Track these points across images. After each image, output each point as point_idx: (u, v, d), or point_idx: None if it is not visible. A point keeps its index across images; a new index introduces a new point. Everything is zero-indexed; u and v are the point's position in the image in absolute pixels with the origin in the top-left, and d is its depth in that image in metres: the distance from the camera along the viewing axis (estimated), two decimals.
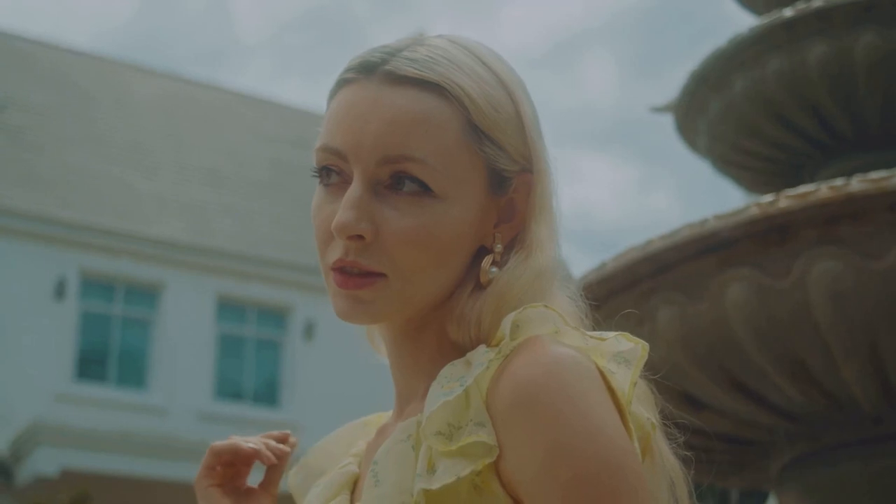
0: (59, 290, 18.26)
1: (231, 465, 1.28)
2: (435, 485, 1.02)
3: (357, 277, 1.13)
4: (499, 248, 1.16)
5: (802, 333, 2.97)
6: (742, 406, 3.20)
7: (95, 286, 19.02)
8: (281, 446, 1.29)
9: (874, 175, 2.81)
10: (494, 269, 1.15)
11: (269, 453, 1.28)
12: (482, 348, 1.10)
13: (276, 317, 20.94)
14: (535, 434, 1.01)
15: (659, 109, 4.18)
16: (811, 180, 3.92)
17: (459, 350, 1.15)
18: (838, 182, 2.82)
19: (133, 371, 19.25)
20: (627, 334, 1.11)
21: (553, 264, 1.16)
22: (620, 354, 1.09)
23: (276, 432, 1.33)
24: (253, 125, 24.41)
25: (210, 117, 23.73)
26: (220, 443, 1.26)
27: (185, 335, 19.41)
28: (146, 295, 19.50)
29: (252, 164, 23.26)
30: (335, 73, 1.22)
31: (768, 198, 2.91)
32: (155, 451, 17.76)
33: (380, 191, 1.13)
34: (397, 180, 1.12)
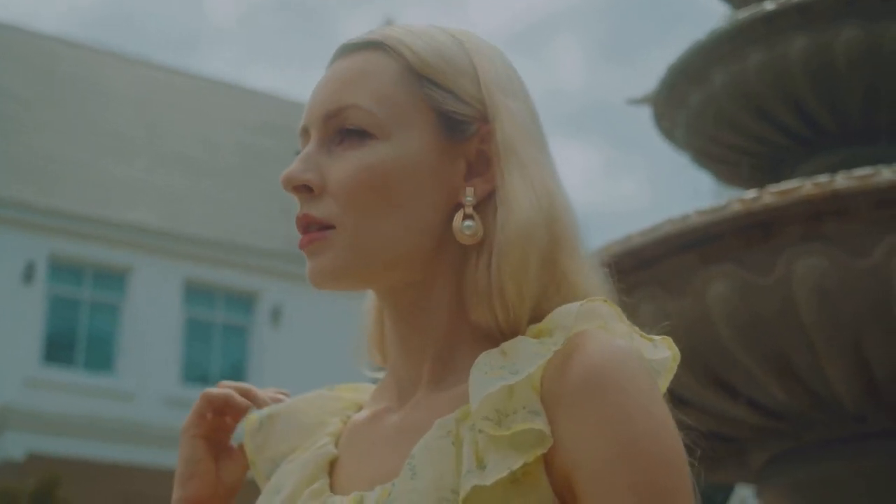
0: (28, 274, 18.15)
1: (221, 415, 1.23)
2: (488, 480, 0.98)
3: (310, 234, 1.12)
4: (469, 199, 1.11)
5: (786, 331, 2.95)
6: (724, 403, 3.18)
7: (64, 270, 18.91)
8: (277, 396, 1.25)
9: (859, 172, 2.79)
10: (470, 224, 1.10)
11: (261, 395, 1.23)
12: (528, 339, 1.06)
13: (243, 302, 20.89)
14: (604, 426, 0.98)
15: (637, 101, 4.16)
16: (791, 174, 3.90)
17: (479, 331, 1.12)
18: (823, 179, 2.80)
19: (101, 356, 19.15)
20: (670, 340, 1.08)
21: (538, 217, 1.11)
22: (653, 362, 1.07)
23: (274, 389, 1.27)
24: (225, 111, 24.30)
25: (182, 103, 23.61)
26: (213, 389, 1.22)
27: (153, 320, 19.33)
28: (115, 279, 19.41)
29: (223, 150, 23.17)
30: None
31: (751, 194, 2.88)
32: (122, 436, 17.69)
33: (332, 149, 1.13)
34: (342, 134, 1.13)
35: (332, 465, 1.16)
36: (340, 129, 1.13)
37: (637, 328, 1.07)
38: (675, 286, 3.00)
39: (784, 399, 3.12)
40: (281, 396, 1.26)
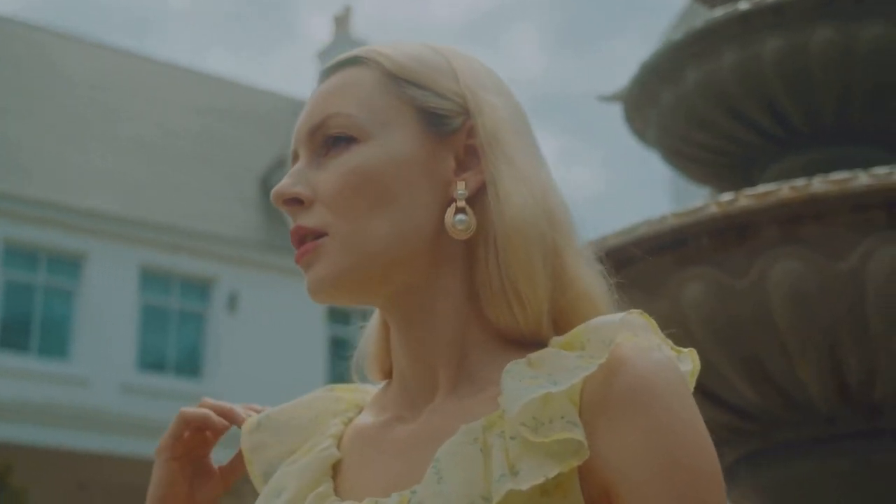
0: None
1: (200, 431, 1.24)
2: (524, 485, 0.98)
3: (304, 246, 1.13)
4: (461, 193, 1.12)
5: (760, 333, 2.96)
6: (697, 403, 3.18)
7: (19, 255, 18.74)
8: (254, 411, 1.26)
9: (836, 176, 2.79)
10: (462, 217, 1.11)
11: (241, 414, 1.25)
12: (561, 352, 1.07)
13: (199, 288, 20.79)
14: (651, 439, 1.00)
15: (607, 99, 4.15)
16: (763, 174, 3.91)
17: (493, 332, 1.13)
18: (800, 182, 2.80)
19: (56, 341, 19.00)
20: (694, 353, 1.11)
21: (534, 209, 1.12)
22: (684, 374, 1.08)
23: (250, 406, 1.28)
24: (183, 96, 24.15)
25: (139, 88, 23.43)
26: (190, 410, 1.22)
27: (108, 306, 19.20)
28: (70, 265, 19.26)
29: (181, 135, 23.02)
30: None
31: (728, 196, 2.88)
32: (77, 423, 17.60)
33: (320, 162, 1.15)
34: (328, 145, 1.14)
35: (335, 469, 1.15)
36: (325, 139, 1.13)
37: (668, 341, 1.08)
38: (650, 287, 3.00)
39: (756, 400, 3.12)
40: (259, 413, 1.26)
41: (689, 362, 1.09)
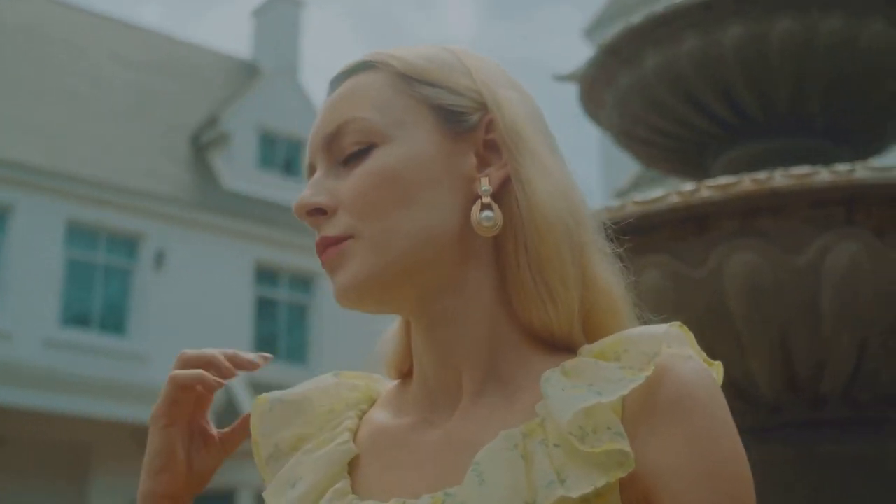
0: None
1: (193, 391, 1.20)
2: (574, 492, 0.99)
3: (328, 249, 1.12)
4: (485, 189, 1.11)
5: (714, 323, 2.97)
6: None
7: None
8: (245, 357, 1.21)
9: (798, 171, 2.80)
10: (489, 214, 1.10)
11: (227, 364, 1.20)
12: (600, 362, 1.08)
13: (126, 244, 20.59)
14: (694, 446, 1.02)
15: (563, 78, 4.15)
16: (716, 161, 3.93)
17: (522, 333, 1.13)
18: (761, 175, 2.81)
19: None
20: (720, 366, 1.12)
21: (560, 203, 1.12)
22: None
23: (259, 355, 1.23)
24: (115, 49, 23.79)
25: (70, 38, 23.04)
26: (182, 373, 1.18)
27: (32, 260, 18.95)
28: None
29: (112, 88, 22.70)
30: None
31: (689, 186, 2.89)
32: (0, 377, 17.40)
33: (339, 172, 1.13)
34: (346, 156, 1.13)
35: (350, 465, 1.14)
36: (343, 150, 1.11)
37: (703, 354, 1.10)
38: None
39: None
40: (263, 361, 1.22)
41: (718, 374, 1.11)
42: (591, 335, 1.14)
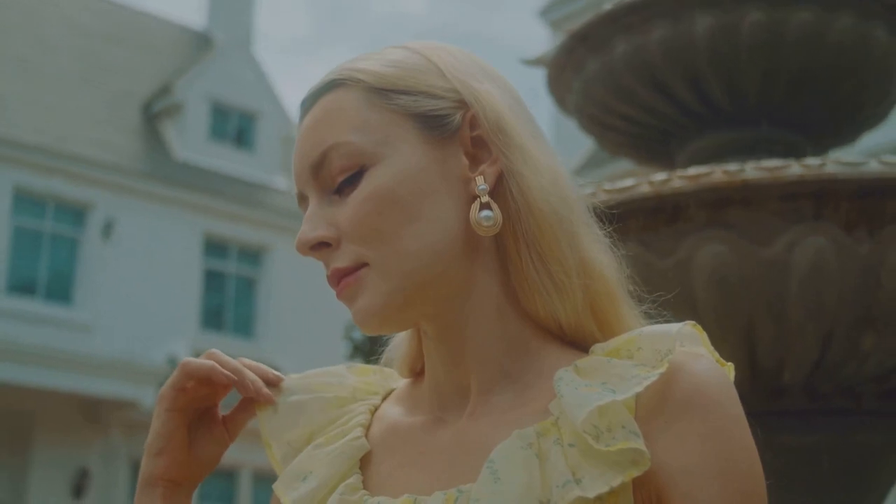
0: None
1: (207, 385, 1.18)
2: (590, 493, 1.00)
3: (343, 280, 1.11)
4: (481, 188, 1.11)
5: (681, 313, 2.97)
6: None
7: None
8: (264, 390, 1.20)
9: (769, 164, 2.82)
10: (488, 213, 1.10)
11: (248, 384, 1.18)
12: (613, 360, 1.09)
13: (74, 213, 20.41)
14: (708, 442, 1.02)
15: (531, 62, 4.14)
16: (681, 150, 3.94)
17: (529, 331, 1.13)
18: (733, 167, 2.82)
19: None
20: (731, 367, 1.13)
21: (553, 194, 1.13)
22: None
23: (266, 369, 1.22)
24: (67, 15, 23.49)
25: (21, 4, 22.72)
26: (194, 361, 1.17)
27: None
28: None
29: (62, 54, 22.41)
30: None
31: (661, 176, 2.89)
32: None
33: (332, 199, 1.12)
34: (336, 181, 1.11)
35: (363, 461, 1.14)
36: (332, 177, 1.10)
37: (716, 353, 1.10)
38: None
39: None
40: (266, 392, 1.20)
41: (730, 375, 1.12)
42: (595, 322, 1.15)
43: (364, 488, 1.12)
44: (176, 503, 1.18)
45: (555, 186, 1.13)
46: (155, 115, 22.94)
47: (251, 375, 1.19)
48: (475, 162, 1.13)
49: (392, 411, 1.20)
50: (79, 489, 18.80)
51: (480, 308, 1.13)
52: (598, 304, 1.14)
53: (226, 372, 1.17)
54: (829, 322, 2.95)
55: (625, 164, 8.33)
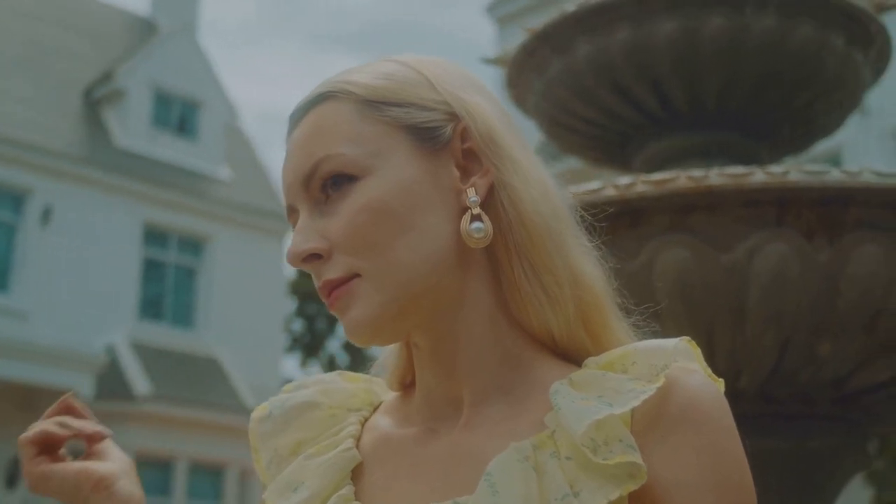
0: None
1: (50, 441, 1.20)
2: None
3: (335, 291, 1.10)
4: (472, 200, 1.11)
5: (642, 315, 3.00)
6: None
7: None
8: (92, 430, 1.22)
9: (733, 170, 2.84)
10: (479, 225, 1.10)
11: (85, 431, 1.22)
12: (608, 373, 1.09)
13: (13, 199, 20.16)
14: (702, 456, 1.03)
15: (491, 61, 4.13)
16: (638, 152, 3.96)
17: (521, 342, 1.13)
18: (698, 173, 2.84)
19: None
20: (722, 382, 1.12)
21: (544, 205, 1.13)
22: None
23: (89, 427, 1.23)
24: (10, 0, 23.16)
25: None
26: (25, 435, 1.19)
27: None
28: None
29: (3, 38, 22.10)
30: None
31: (626, 180, 2.91)
32: None
33: (323, 211, 1.11)
34: (326, 192, 1.10)
35: (354, 472, 1.14)
36: (323, 185, 1.09)
37: (709, 369, 1.10)
38: None
39: None
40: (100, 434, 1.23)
41: (722, 389, 1.12)
42: (586, 333, 1.15)
43: (356, 500, 1.12)
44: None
45: (545, 198, 1.14)
46: (96, 101, 22.71)
47: (78, 424, 1.21)
48: (466, 174, 1.13)
49: (383, 422, 1.20)
50: (12, 479, 18.58)
51: (473, 319, 1.12)
52: (589, 316, 1.14)
53: (61, 432, 1.19)
54: (788, 328, 2.97)
55: (573, 163, 8.35)
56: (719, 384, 1.12)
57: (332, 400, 1.23)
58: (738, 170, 2.84)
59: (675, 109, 3.81)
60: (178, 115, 23.44)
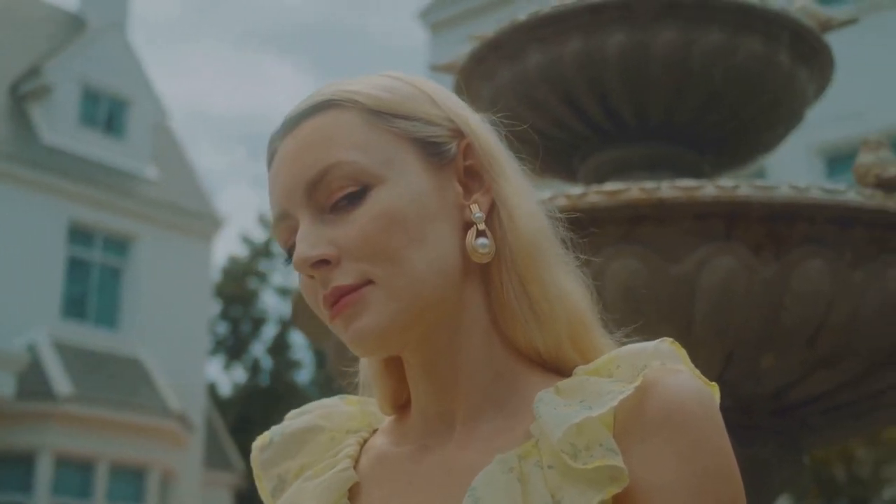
0: None
1: None
2: None
3: (344, 299, 1.08)
4: (477, 216, 1.12)
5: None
6: None
7: None
8: None
9: (684, 183, 2.87)
10: (484, 241, 1.11)
11: None
12: (591, 378, 1.09)
13: None
14: (685, 458, 1.02)
15: (440, 68, 4.14)
16: (583, 163, 3.99)
17: (514, 358, 1.14)
18: (650, 185, 2.87)
19: None
20: (716, 387, 1.12)
21: (539, 224, 1.15)
22: None
23: None
24: None
25: None
26: None
27: None
28: None
29: None
30: None
31: (578, 190, 2.93)
32: None
33: (327, 219, 1.10)
34: (332, 198, 1.09)
35: (350, 492, 1.14)
36: (330, 195, 1.08)
37: (697, 371, 1.11)
38: None
39: None
40: None
41: (715, 395, 1.12)
42: (574, 350, 1.16)
43: None
44: None
45: (536, 216, 1.16)
46: (22, 96, 22.40)
47: None
48: (468, 190, 1.14)
49: (380, 442, 1.20)
50: None
51: (469, 334, 1.13)
52: (576, 332, 1.16)
53: None
54: (733, 340, 3.01)
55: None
56: (712, 388, 1.12)
57: (333, 423, 1.23)
58: (689, 182, 2.87)
59: (623, 122, 3.84)
60: (106, 113, 23.19)
